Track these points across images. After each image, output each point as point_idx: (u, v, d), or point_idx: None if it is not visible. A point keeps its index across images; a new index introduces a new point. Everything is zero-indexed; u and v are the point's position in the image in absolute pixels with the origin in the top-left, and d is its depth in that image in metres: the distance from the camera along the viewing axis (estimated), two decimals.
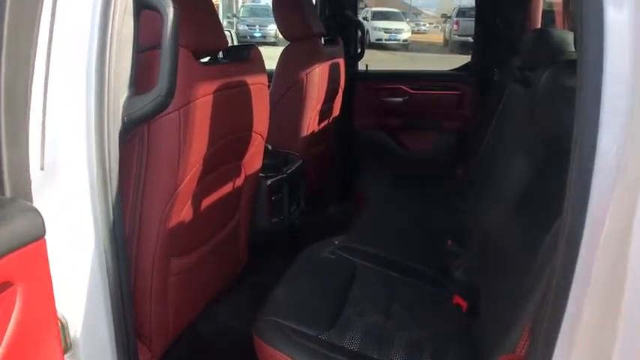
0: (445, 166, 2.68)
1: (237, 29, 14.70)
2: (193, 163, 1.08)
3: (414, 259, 1.56)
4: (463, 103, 2.64)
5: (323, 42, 2.32)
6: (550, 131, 1.13)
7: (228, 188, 1.38)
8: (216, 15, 1.22)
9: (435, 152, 2.73)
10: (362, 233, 1.72)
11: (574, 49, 1.41)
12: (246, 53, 1.34)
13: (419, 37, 17.08)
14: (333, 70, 2.27)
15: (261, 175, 1.74)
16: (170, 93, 0.82)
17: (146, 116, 0.82)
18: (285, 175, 1.82)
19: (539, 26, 1.92)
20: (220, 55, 1.28)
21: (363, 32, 2.62)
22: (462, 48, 14.46)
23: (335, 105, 2.45)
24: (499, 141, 1.64)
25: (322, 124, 2.33)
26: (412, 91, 2.69)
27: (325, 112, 2.31)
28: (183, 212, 1.13)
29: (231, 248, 1.50)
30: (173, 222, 1.09)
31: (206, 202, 1.23)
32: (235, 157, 1.40)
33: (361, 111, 2.79)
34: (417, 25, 18.86)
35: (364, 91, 2.76)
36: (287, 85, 2.05)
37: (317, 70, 2.06)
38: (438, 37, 17.46)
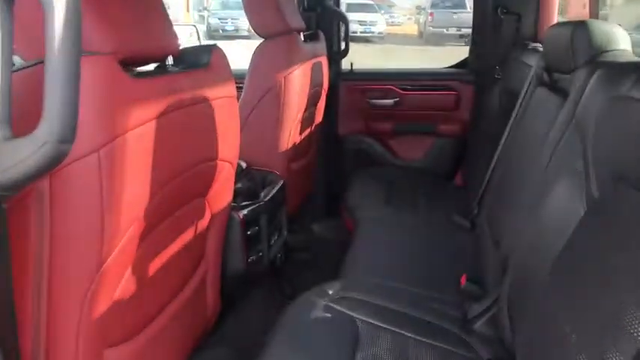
0: (442, 175, 2.39)
1: (208, 23, 14.16)
2: (129, 221, 0.75)
3: (424, 308, 1.27)
4: (460, 104, 2.35)
5: (302, 38, 1.99)
6: (611, 161, 0.84)
7: (187, 236, 1.05)
8: (160, 6, 0.88)
9: (430, 160, 2.43)
10: (358, 275, 1.41)
11: (619, 47, 1.12)
12: (205, 57, 1.00)
13: (393, 30, 16.87)
14: (316, 71, 1.95)
15: (232, 204, 1.41)
16: (65, 136, 0.49)
17: (30, 175, 0.49)
18: (262, 203, 1.50)
19: (555, 17, 1.64)
20: (170, 61, 0.94)
21: (347, 26, 2.30)
22: (437, 39, 14.35)
23: (317, 110, 2.13)
24: (524, 154, 1.35)
25: (305, 134, 2.01)
26: (403, 92, 2.38)
27: (307, 119, 1.99)
28: (120, 287, 0.79)
29: (198, 308, 1.17)
30: (103, 304, 0.76)
31: (155, 265, 0.90)
32: (196, 195, 1.07)
33: (346, 115, 2.47)
34: (391, 17, 18.65)
35: (349, 92, 2.44)
36: (262, 91, 1.72)
37: (297, 71, 1.74)
38: (412, 29, 17.28)
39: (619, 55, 1.09)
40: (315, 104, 2.08)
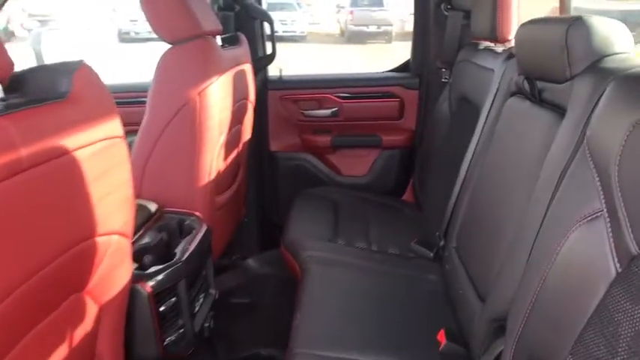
0: (390, 191, 2.13)
1: (118, 27, 13.02)
2: None
3: None
4: (405, 111, 2.10)
5: (220, 42, 1.63)
6: None
7: (63, 349, 0.67)
8: None
9: (376, 175, 2.16)
10: (310, 349, 1.09)
11: (623, 49, 0.89)
12: (62, 83, 0.63)
13: (314, 29, 16.75)
14: (238, 81, 1.60)
15: (137, 272, 1.04)
16: None
17: None
18: (180, 264, 1.13)
19: (515, 13, 1.41)
20: None
21: (272, 26, 1.96)
22: (359, 38, 14.39)
23: (244, 127, 1.78)
24: (506, 180, 1.10)
25: (231, 157, 1.66)
26: (342, 101, 2.09)
27: (233, 139, 1.64)
28: None
29: None
30: None
31: None
32: (68, 292, 0.70)
33: (278, 130, 2.14)
34: (311, 15, 18.53)
35: (280, 103, 2.11)
36: (171, 112, 1.34)
37: (215, 84, 1.38)
38: (333, 28, 17.26)
39: (625, 60, 0.85)
40: (241, 120, 1.74)
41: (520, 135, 1.08)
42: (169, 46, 1.35)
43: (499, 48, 1.52)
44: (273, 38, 1.96)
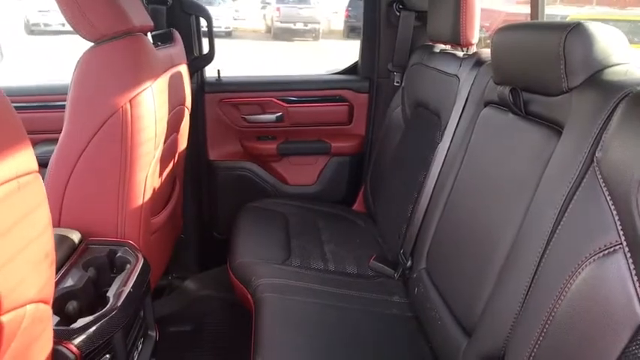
0: (340, 200, 2.02)
1: (26, 19, 11.81)
2: None
3: None
4: (355, 116, 1.99)
5: (151, 40, 1.42)
6: None
7: None
8: None
9: (325, 184, 2.03)
10: None
11: (623, 59, 0.82)
12: None
13: (239, 25, 16.37)
14: (174, 85, 1.40)
15: (59, 328, 0.83)
16: None
17: None
18: (115, 312, 0.93)
19: (477, 16, 1.34)
20: None
21: (209, 22, 1.75)
22: (285, 35, 14.25)
23: (180, 135, 1.58)
24: (488, 201, 1.00)
25: (166, 173, 1.45)
26: (287, 105, 1.94)
27: (168, 152, 1.43)
28: None
29: None
30: None
31: None
32: None
33: (217, 136, 1.95)
34: (236, 11, 18.11)
35: (219, 107, 1.92)
36: (95, 123, 1.12)
37: (149, 90, 1.18)
38: (258, 25, 16.98)
39: (628, 73, 0.78)
40: (177, 129, 1.53)
41: (502, 150, 0.99)
42: (89, 43, 1.12)
43: (459, 52, 1.44)
44: (212, 36, 1.76)
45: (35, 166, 0.56)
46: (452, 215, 1.15)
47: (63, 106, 1.13)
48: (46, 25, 11.18)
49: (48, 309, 0.61)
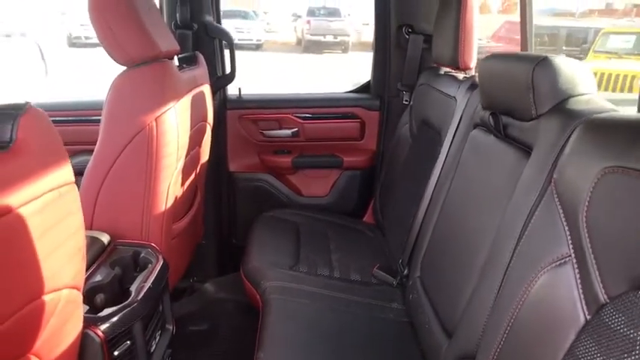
0: (350, 212, 2.12)
1: (68, 32, 12.42)
2: None
3: None
4: (366, 133, 2.10)
5: (177, 62, 1.57)
6: (625, 259, 0.62)
7: None
8: None
9: (336, 196, 2.15)
10: None
11: (587, 89, 0.91)
12: (3, 132, 0.57)
13: (270, 37, 16.74)
14: (197, 104, 1.54)
15: (88, 316, 0.97)
16: None
17: None
18: (135, 304, 1.06)
19: (475, 42, 1.44)
20: None
21: (232, 46, 1.91)
22: (315, 47, 14.49)
23: (202, 149, 1.72)
24: (471, 212, 1.10)
25: (188, 182, 1.59)
26: (302, 121, 2.07)
27: (191, 163, 1.58)
28: None
29: None
30: None
31: None
32: (13, 355, 0.63)
33: (237, 150, 2.09)
34: (267, 24, 18.51)
35: (239, 122, 2.06)
36: (125, 138, 1.27)
37: (173, 109, 1.32)
38: (289, 37, 17.30)
39: (589, 102, 0.87)
40: (199, 143, 1.68)
41: (485, 168, 1.09)
42: None
43: (460, 75, 1.54)
44: (234, 58, 1.91)
45: (72, 177, 0.69)
46: (443, 226, 1.24)
47: (98, 121, 1.29)
48: (86, 37, 11.71)
49: (79, 294, 0.74)
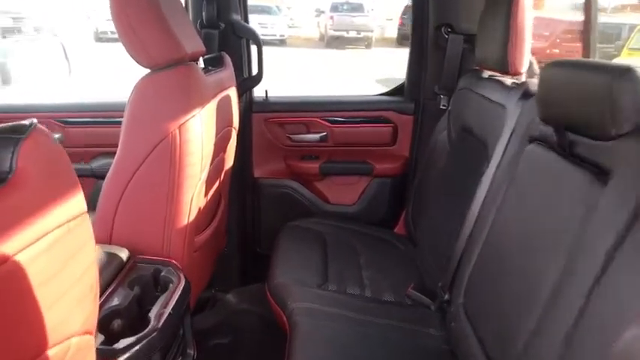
0: (380, 222, 2.01)
1: (95, 27, 12.55)
2: None
3: None
4: (399, 138, 1.98)
5: (202, 64, 1.48)
6: None
7: None
8: None
9: (366, 204, 2.04)
10: None
11: None
12: (2, 162, 0.48)
13: (293, 32, 16.66)
14: (223, 108, 1.45)
15: (103, 348, 0.88)
16: None
17: None
18: (155, 334, 0.97)
19: (528, 44, 1.31)
20: None
21: (259, 45, 1.81)
22: (338, 42, 14.35)
23: (227, 154, 1.63)
24: (530, 239, 0.98)
25: (212, 192, 1.50)
26: (331, 125, 1.96)
27: (215, 172, 1.49)
28: None
29: None
30: None
31: None
32: None
33: (262, 154, 2.00)
34: (291, 19, 18.43)
35: (265, 126, 1.97)
36: (147, 147, 1.19)
37: (197, 116, 1.23)
38: (312, 32, 17.20)
39: None
40: (224, 148, 1.59)
41: (547, 190, 0.96)
42: None
43: (507, 80, 1.41)
44: (261, 59, 1.81)
45: (84, 207, 0.60)
46: (491, 252, 1.12)
47: (119, 122, 1.21)
48: (112, 32, 11.81)
49: (91, 338, 0.65)
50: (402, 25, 14.72)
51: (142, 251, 1.23)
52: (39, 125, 0.54)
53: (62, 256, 0.55)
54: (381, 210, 2.02)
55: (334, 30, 14.84)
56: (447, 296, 1.29)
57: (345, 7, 15.03)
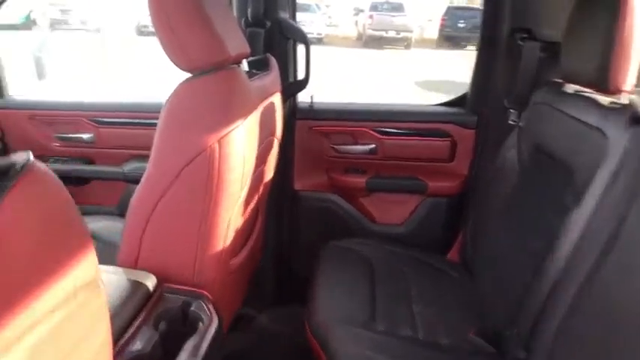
0: (430, 246, 1.81)
1: (137, 21, 12.77)
2: None
3: None
4: (457, 154, 1.78)
5: (246, 67, 1.32)
6: None
7: None
8: None
9: (415, 226, 1.84)
10: None
11: None
12: None
13: (331, 31, 16.53)
14: (266, 117, 1.29)
15: None
16: None
17: None
18: None
19: (633, 51, 1.09)
20: None
21: (307, 47, 1.64)
22: (376, 42, 14.12)
23: (267, 166, 1.47)
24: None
25: (250, 209, 1.35)
26: (382, 137, 1.77)
27: (254, 186, 1.33)
28: None
29: None
30: None
31: None
32: None
33: (304, 165, 1.83)
34: (329, 17, 18.30)
35: (309, 134, 1.80)
36: (182, 160, 1.04)
37: (240, 128, 1.07)
38: (350, 31, 17.02)
39: None
40: (265, 160, 1.43)
41: None
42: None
43: (603, 98, 1.19)
44: (309, 62, 1.64)
45: (93, 272, 0.44)
46: (595, 310, 0.91)
47: (155, 125, 1.06)
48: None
49: None
50: (443, 26, 14.37)
51: (171, 277, 1.09)
52: (35, 163, 0.38)
53: (66, 342, 0.39)
54: (433, 233, 1.83)
55: (373, 29, 14.64)
56: (523, 354, 1.09)
57: (384, 7, 14.79)
